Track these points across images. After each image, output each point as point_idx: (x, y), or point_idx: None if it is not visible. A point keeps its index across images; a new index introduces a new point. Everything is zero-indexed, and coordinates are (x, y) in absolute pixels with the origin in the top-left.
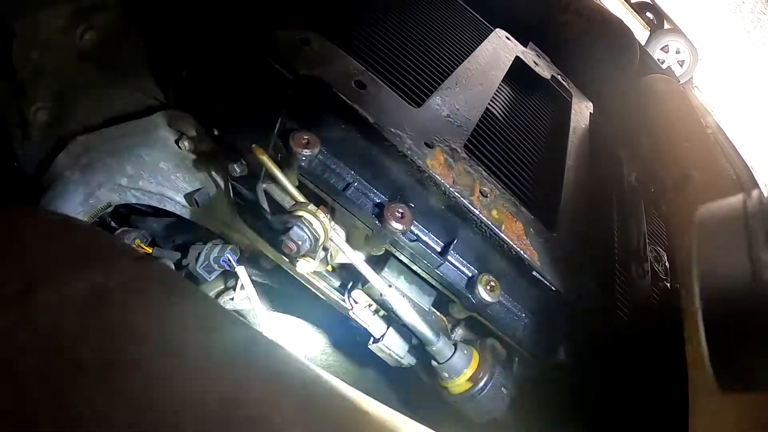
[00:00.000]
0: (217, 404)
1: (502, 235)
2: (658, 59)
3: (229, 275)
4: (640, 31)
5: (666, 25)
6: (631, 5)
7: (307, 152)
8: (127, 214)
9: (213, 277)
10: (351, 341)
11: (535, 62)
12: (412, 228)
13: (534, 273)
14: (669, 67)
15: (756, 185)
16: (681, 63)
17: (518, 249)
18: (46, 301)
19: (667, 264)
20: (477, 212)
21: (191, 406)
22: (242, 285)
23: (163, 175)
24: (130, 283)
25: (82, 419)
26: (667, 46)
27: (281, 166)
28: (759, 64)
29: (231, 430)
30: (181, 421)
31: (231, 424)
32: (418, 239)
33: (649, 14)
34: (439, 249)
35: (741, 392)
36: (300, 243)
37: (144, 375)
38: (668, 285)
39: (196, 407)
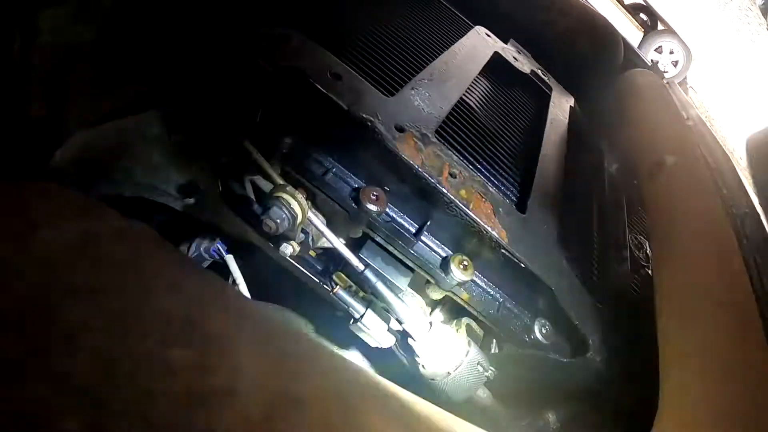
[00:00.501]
0: (179, 321)
1: (471, 213)
2: (653, 60)
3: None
4: (634, 33)
5: (660, 26)
6: (625, 7)
7: (287, 140)
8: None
9: (204, 267)
10: (334, 326)
11: (514, 57)
12: (387, 210)
13: (503, 251)
14: (653, 61)
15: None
16: (675, 63)
17: (486, 227)
18: (44, 238)
19: (648, 252)
20: (445, 191)
21: (158, 322)
22: (231, 274)
23: (157, 168)
24: (117, 232)
25: (73, 334)
26: (660, 47)
27: (265, 156)
28: (749, 61)
29: (192, 340)
30: (150, 331)
31: (192, 340)
32: (393, 221)
33: (642, 16)
34: (413, 230)
35: None
36: (278, 221)
37: (125, 300)
38: (649, 272)
39: (162, 323)
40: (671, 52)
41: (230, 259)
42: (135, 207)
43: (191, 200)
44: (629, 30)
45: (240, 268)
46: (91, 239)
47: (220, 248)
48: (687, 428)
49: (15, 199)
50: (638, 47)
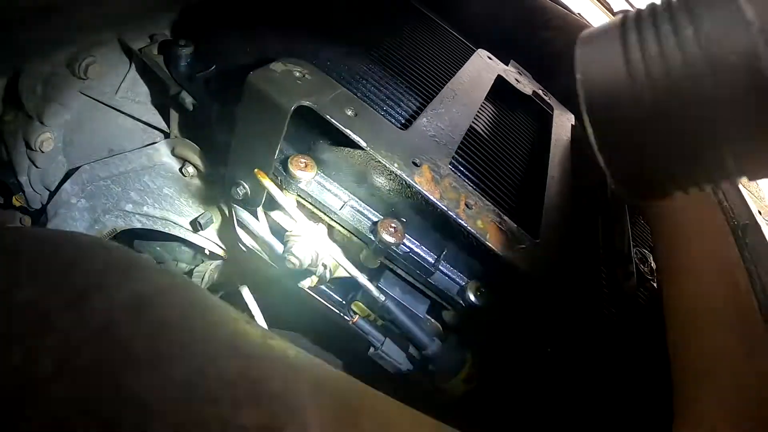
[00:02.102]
0: (245, 382)
1: (487, 243)
2: None
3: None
4: None
5: None
6: (615, 14)
7: (305, 175)
8: (131, 239)
9: (217, 297)
10: (351, 352)
11: (516, 79)
12: (405, 241)
13: (520, 278)
14: None
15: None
16: None
17: (503, 255)
18: (98, 307)
19: (653, 264)
20: (463, 223)
21: (224, 385)
22: (246, 305)
23: (168, 200)
24: (163, 291)
25: (144, 405)
26: None
27: (281, 189)
28: None
29: (260, 402)
30: (220, 396)
31: (260, 401)
32: (411, 251)
33: None
34: (430, 260)
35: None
36: (302, 258)
37: (189, 366)
38: (654, 285)
39: (229, 386)
40: None
41: (245, 291)
42: (144, 236)
43: (204, 231)
44: None
45: (255, 297)
46: (143, 303)
47: (235, 281)
48: None
49: (59, 257)
50: None
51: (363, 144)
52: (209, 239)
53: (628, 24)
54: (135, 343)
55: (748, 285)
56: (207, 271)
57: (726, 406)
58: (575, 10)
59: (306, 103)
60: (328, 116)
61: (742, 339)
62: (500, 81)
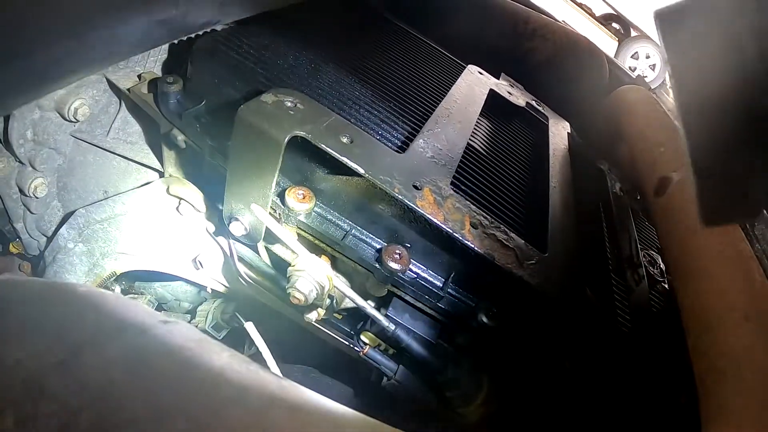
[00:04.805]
0: None
1: (496, 263)
2: (630, 67)
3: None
4: (609, 43)
5: (633, 33)
6: (597, 18)
7: (303, 206)
8: (132, 281)
9: (222, 335)
10: (364, 383)
11: (509, 92)
12: (411, 267)
13: (531, 294)
14: (639, 75)
15: None
16: (653, 67)
17: (513, 273)
18: (92, 364)
19: (662, 266)
20: (469, 244)
21: None
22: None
23: (166, 240)
24: (161, 342)
25: None
26: (636, 53)
27: (280, 222)
28: None
29: None
30: None
31: None
32: (418, 276)
33: (615, 25)
34: (438, 284)
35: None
36: (307, 293)
37: (192, 422)
38: (666, 286)
39: None
40: (647, 57)
41: (251, 327)
42: (146, 277)
43: (204, 270)
44: (604, 40)
45: (260, 331)
46: (139, 357)
47: (238, 316)
48: None
49: (49, 312)
50: (615, 56)
51: (361, 171)
52: (211, 277)
53: None
54: (134, 403)
55: (763, 276)
56: (210, 309)
57: (753, 403)
58: (559, 17)
59: (300, 133)
60: (323, 145)
61: (762, 332)
62: (493, 95)
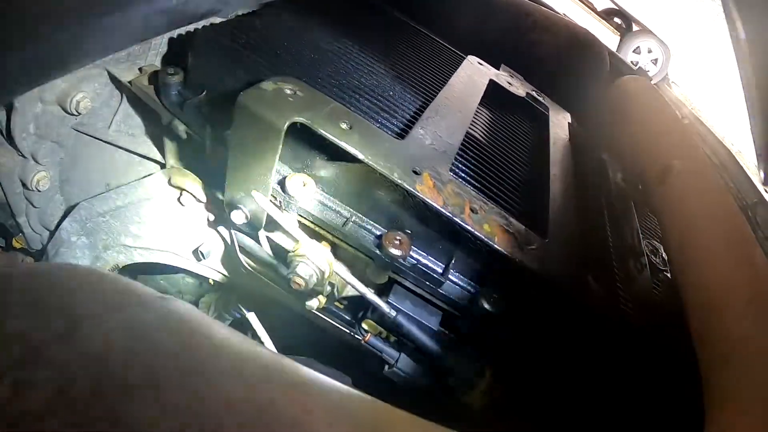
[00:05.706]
0: (254, 410)
1: (496, 246)
2: (632, 61)
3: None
4: (611, 37)
5: (635, 27)
6: (598, 13)
7: (304, 193)
8: (134, 274)
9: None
10: (366, 372)
11: (509, 82)
12: (411, 253)
13: (532, 280)
14: (640, 67)
15: (739, 167)
16: (654, 62)
17: (514, 258)
18: (91, 335)
19: (664, 255)
20: (469, 228)
21: (231, 414)
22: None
23: (168, 232)
24: (160, 317)
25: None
26: (638, 47)
27: (281, 209)
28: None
29: (269, 428)
30: (222, 422)
31: (268, 423)
32: (418, 263)
33: (617, 19)
34: (439, 270)
35: None
36: (307, 278)
37: (188, 392)
38: (668, 275)
39: (233, 412)
40: (649, 51)
41: (252, 317)
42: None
43: (206, 260)
44: (606, 35)
45: (262, 322)
46: (139, 328)
47: (241, 306)
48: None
49: (50, 288)
50: (616, 50)
51: (361, 156)
52: (213, 268)
53: None
54: (132, 371)
55: (765, 262)
56: (213, 301)
57: (756, 387)
58: (560, 11)
59: (299, 119)
60: (322, 131)
61: (765, 317)
62: (493, 85)
